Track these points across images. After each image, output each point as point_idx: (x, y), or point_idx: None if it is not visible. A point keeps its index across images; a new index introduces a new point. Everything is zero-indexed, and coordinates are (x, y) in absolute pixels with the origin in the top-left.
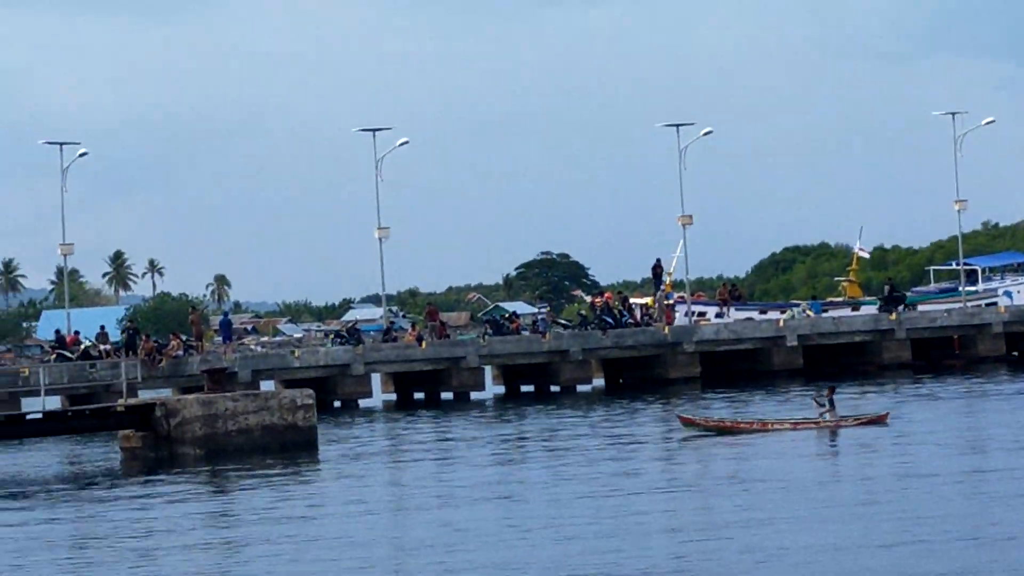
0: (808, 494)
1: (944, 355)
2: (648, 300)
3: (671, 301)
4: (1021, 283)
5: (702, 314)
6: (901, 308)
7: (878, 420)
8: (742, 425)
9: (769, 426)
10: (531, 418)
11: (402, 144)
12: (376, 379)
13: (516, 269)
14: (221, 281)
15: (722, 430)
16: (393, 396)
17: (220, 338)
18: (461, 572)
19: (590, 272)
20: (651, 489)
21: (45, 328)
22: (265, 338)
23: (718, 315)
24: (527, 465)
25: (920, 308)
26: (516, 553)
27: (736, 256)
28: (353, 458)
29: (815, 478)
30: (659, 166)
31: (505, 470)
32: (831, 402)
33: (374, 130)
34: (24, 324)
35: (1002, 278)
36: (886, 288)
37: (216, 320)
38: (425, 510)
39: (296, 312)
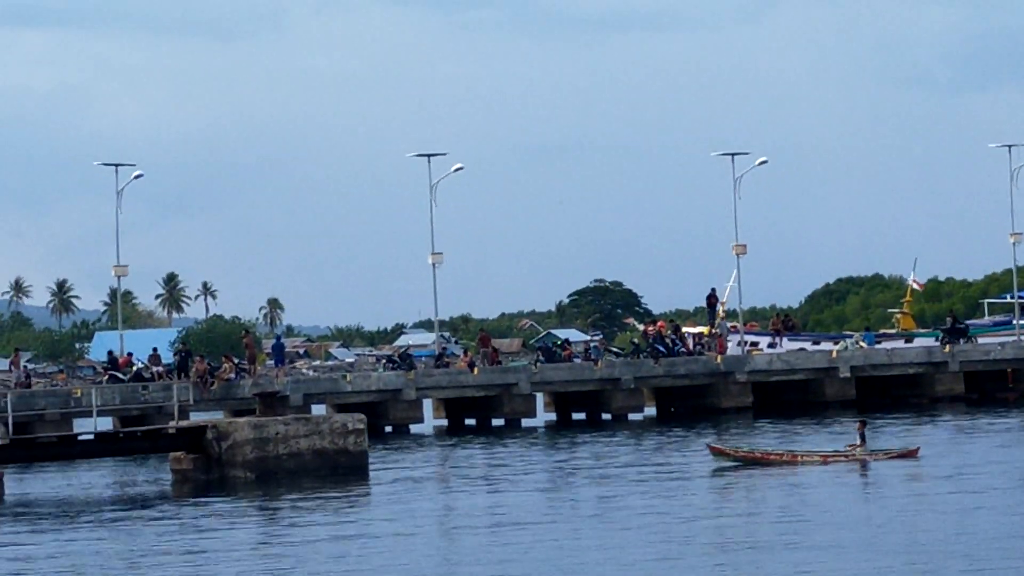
0: (830, 527)
1: (998, 388)
2: (704, 329)
3: (724, 332)
4: None
5: (755, 344)
6: (963, 340)
7: (909, 454)
8: (772, 456)
9: (799, 458)
10: (583, 446)
11: (457, 170)
12: (428, 405)
13: (569, 296)
14: (274, 304)
15: (752, 461)
16: (444, 422)
17: (272, 361)
18: None
19: (643, 300)
20: (698, 518)
21: (98, 349)
22: (317, 362)
23: (771, 345)
24: (577, 493)
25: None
26: None
27: (789, 286)
28: (404, 483)
29: (833, 511)
30: (714, 195)
31: (556, 497)
32: (862, 436)
33: (429, 155)
34: (77, 345)
35: None
36: (948, 319)
37: (269, 343)
38: (476, 536)
39: (348, 336)
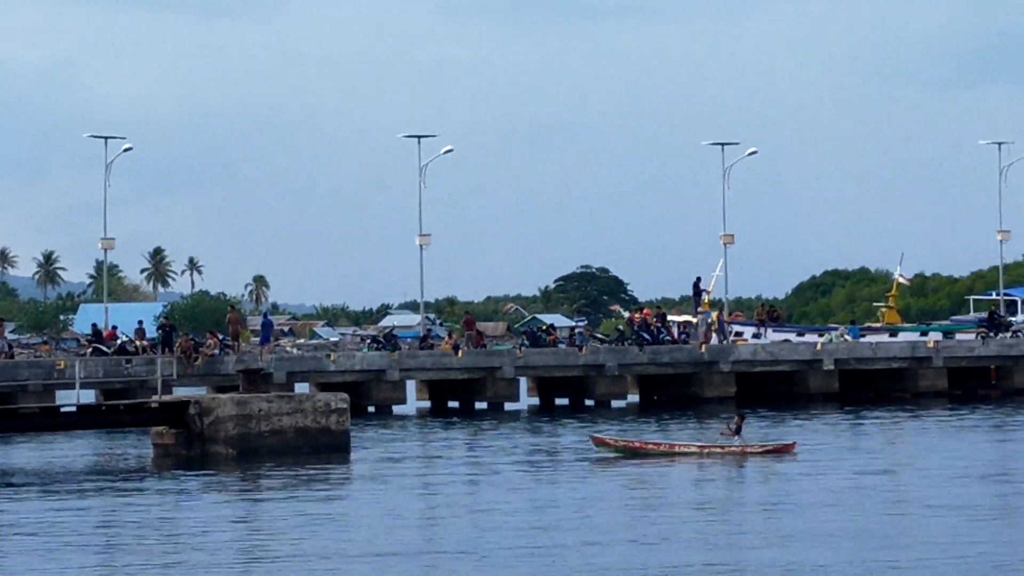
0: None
1: (981, 385)
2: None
3: (703, 324)
4: None
5: (739, 334)
6: (1009, 334)
7: (784, 449)
8: (650, 447)
9: (677, 450)
10: (565, 431)
11: (447, 152)
12: (411, 386)
13: (555, 281)
14: (260, 281)
15: (632, 451)
16: (427, 403)
17: (258, 338)
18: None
19: (629, 287)
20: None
21: (82, 321)
22: (301, 340)
23: (755, 336)
24: (555, 476)
25: (958, 337)
26: (542, 561)
27: (776, 277)
28: (385, 464)
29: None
30: (703, 184)
31: (534, 480)
32: (739, 429)
33: (419, 136)
34: (61, 317)
35: None
36: (988, 312)
37: (254, 320)
38: (455, 518)
39: (333, 316)
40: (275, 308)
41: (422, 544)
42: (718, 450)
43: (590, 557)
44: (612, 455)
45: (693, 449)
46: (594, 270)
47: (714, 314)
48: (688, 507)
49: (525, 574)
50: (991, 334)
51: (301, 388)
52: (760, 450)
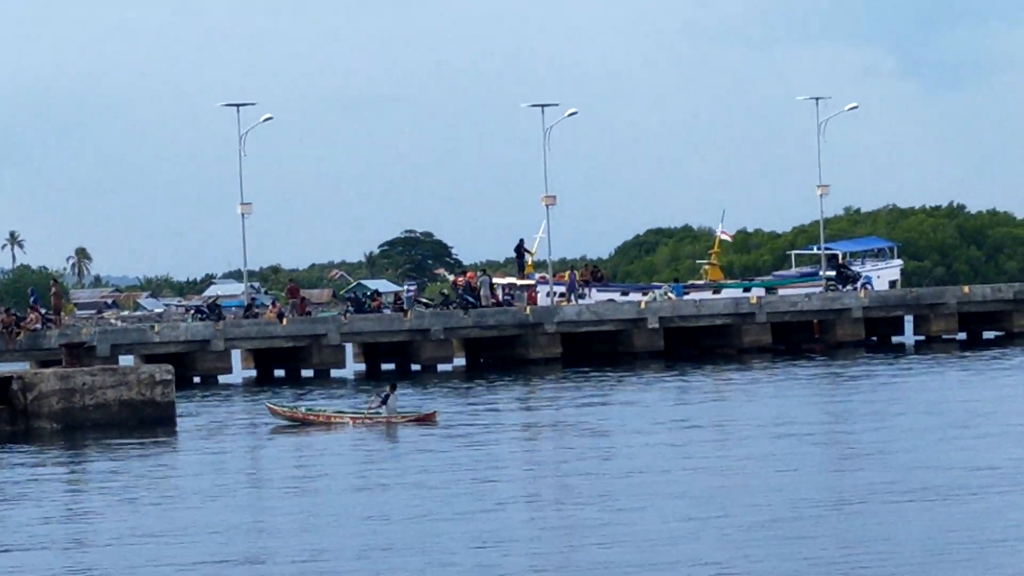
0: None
1: (804, 339)
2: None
3: (576, 287)
4: (881, 268)
5: (563, 295)
6: (858, 285)
7: (426, 419)
8: (310, 417)
9: (332, 419)
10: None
11: (266, 120)
12: (236, 355)
13: (379, 247)
14: (82, 254)
15: (298, 421)
16: (253, 372)
17: (83, 312)
18: (320, 549)
19: (453, 251)
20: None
21: None
22: (125, 312)
23: (579, 296)
24: (388, 446)
25: (780, 292)
26: (376, 535)
27: (599, 237)
28: (210, 434)
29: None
30: (525, 146)
31: (359, 450)
32: (386, 399)
33: (238, 105)
34: None
35: (863, 263)
36: (836, 265)
37: (77, 294)
38: (279, 487)
39: (157, 287)
40: (98, 280)
41: None
42: (368, 420)
43: None
44: (284, 423)
45: (347, 419)
46: (418, 234)
47: (537, 275)
48: None
49: None
50: (839, 287)
51: (126, 360)
52: (402, 420)
